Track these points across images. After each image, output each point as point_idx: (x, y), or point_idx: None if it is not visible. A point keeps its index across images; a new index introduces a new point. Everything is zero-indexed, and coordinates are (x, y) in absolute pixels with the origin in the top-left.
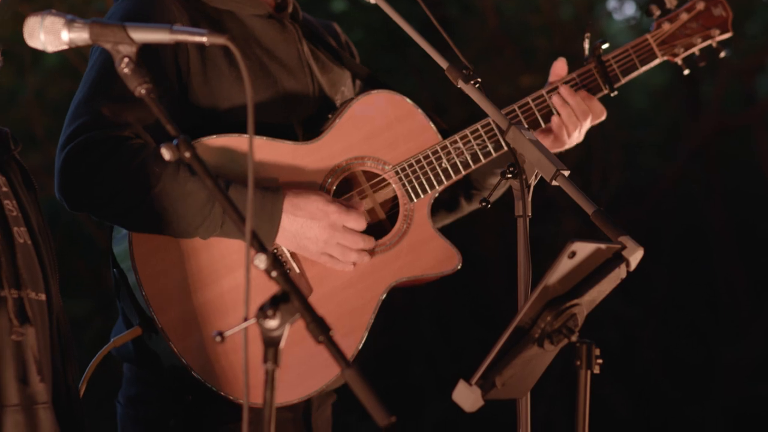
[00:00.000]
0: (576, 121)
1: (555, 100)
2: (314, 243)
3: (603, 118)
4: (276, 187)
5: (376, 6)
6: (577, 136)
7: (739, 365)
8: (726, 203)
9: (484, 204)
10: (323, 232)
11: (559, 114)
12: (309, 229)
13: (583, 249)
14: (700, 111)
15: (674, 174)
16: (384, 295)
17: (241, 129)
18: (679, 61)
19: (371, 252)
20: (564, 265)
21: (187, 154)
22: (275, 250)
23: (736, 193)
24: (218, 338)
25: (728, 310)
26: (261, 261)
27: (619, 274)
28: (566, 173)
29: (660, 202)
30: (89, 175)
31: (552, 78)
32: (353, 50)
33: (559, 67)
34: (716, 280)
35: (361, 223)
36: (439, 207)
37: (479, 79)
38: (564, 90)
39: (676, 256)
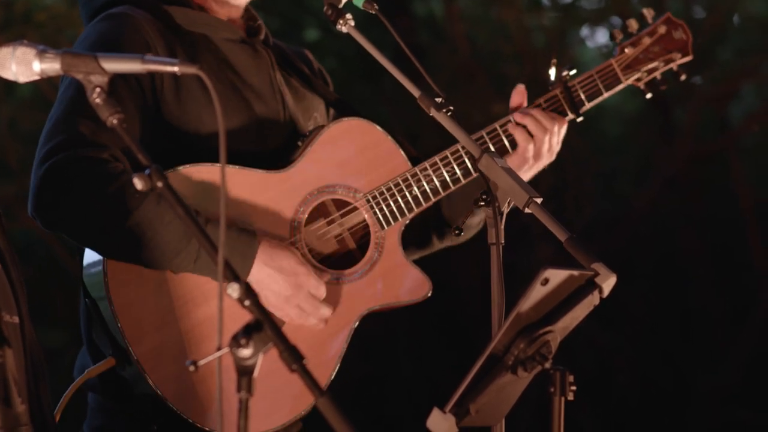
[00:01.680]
0: (543, 129)
1: (516, 116)
2: (276, 296)
3: (565, 124)
4: (252, 231)
5: (349, 35)
6: (547, 149)
7: (715, 391)
8: (701, 229)
9: (456, 233)
10: (287, 289)
11: (525, 126)
12: (274, 282)
13: (556, 276)
14: (674, 138)
15: (649, 200)
16: (356, 324)
17: (212, 155)
18: (641, 85)
19: (343, 281)
20: (537, 292)
21: (159, 184)
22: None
23: (712, 219)
24: (192, 367)
25: (704, 336)
26: (234, 290)
27: (593, 300)
28: (539, 200)
29: (635, 228)
30: (66, 193)
31: (512, 105)
32: (326, 77)
33: (519, 93)
34: (692, 306)
35: (322, 292)
36: (409, 243)
37: (451, 108)
38: (526, 110)
39: (651, 282)
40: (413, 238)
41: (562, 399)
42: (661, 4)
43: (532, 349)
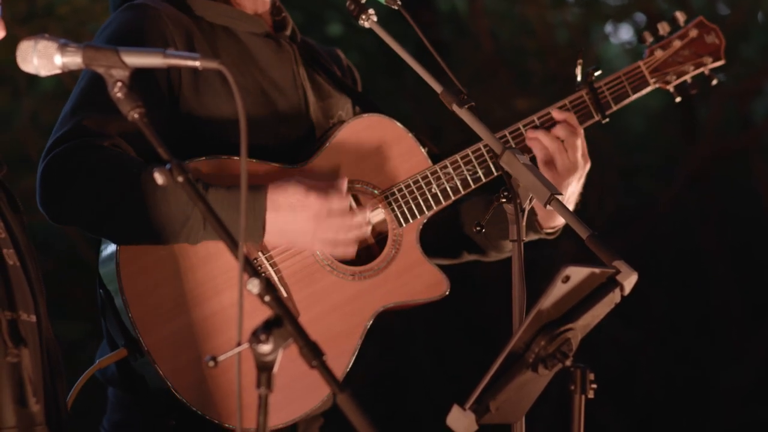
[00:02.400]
0: (561, 148)
1: (529, 132)
2: (303, 235)
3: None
4: (257, 185)
5: (371, 30)
6: (570, 162)
7: (736, 388)
8: (722, 226)
9: (477, 229)
10: (308, 224)
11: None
12: (294, 223)
13: (577, 273)
14: (697, 135)
15: (671, 197)
16: (371, 321)
17: (231, 148)
18: (671, 88)
19: (359, 277)
20: (558, 290)
21: (180, 179)
22: (263, 273)
23: (733, 216)
24: (211, 363)
25: (725, 333)
26: (254, 286)
27: (614, 298)
28: (561, 197)
29: (656, 225)
30: (68, 183)
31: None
32: (356, 75)
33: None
34: (713, 303)
35: (343, 201)
36: (438, 252)
37: (473, 103)
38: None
39: (672, 279)
40: (443, 248)
41: (583, 397)
42: (685, 2)
43: (553, 346)
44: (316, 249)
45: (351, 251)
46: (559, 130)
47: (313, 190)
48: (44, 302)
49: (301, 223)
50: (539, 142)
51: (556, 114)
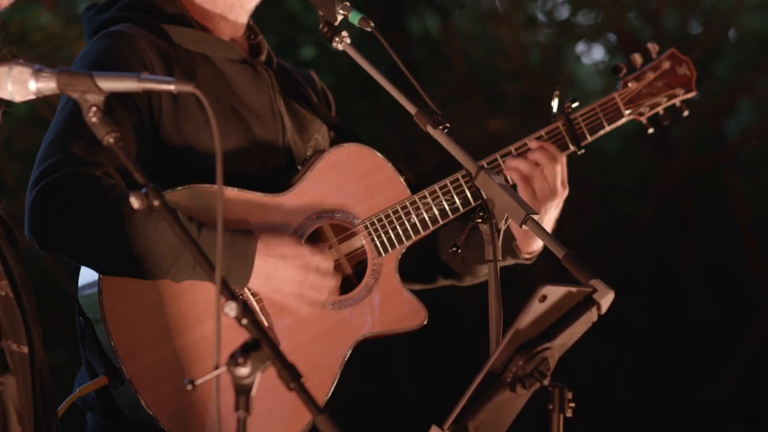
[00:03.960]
0: (540, 174)
1: (509, 161)
2: (288, 283)
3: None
4: (247, 229)
5: (345, 52)
6: (549, 189)
7: (715, 404)
8: (699, 243)
9: (453, 249)
10: (298, 273)
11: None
12: (283, 270)
13: (553, 292)
14: (671, 152)
15: (647, 215)
16: (351, 350)
17: (211, 176)
18: (644, 120)
19: (339, 306)
20: (535, 309)
21: (156, 203)
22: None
23: (709, 232)
24: (189, 386)
25: (703, 350)
26: (231, 309)
27: (591, 317)
28: (536, 217)
29: (633, 242)
30: (60, 212)
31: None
32: (329, 98)
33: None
34: (691, 319)
35: (330, 265)
36: (414, 277)
37: (447, 124)
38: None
39: (650, 296)
40: (418, 272)
41: (561, 416)
42: (657, 20)
43: (531, 365)
44: (293, 299)
45: (317, 306)
46: (537, 155)
47: (305, 245)
48: (39, 335)
49: (291, 271)
50: (517, 169)
51: (533, 144)
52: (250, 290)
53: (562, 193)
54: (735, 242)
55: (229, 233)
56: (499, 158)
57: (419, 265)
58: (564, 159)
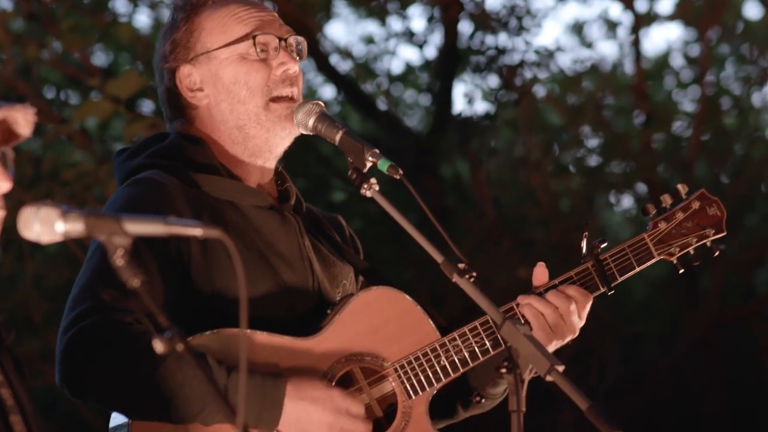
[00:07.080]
0: (559, 318)
1: (521, 298)
2: (319, 427)
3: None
4: (277, 372)
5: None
6: (570, 326)
7: None
8: (726, 394)
9: (478, 399)
10: (328, 416)
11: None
12: (314, 413)
13: None
14: (699, 303)
15: (674, 364)
16: None
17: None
18: (674, 260)
19: None
20: None
21: (180, 347)
22: None
23: (736, 383)
24: None
25: None
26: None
27: None
28: (560, 368)
29: (660, 392)
30: (91, 361)
31: (536, 283)
32: (357, 244)
33: (540, 272)
34: None
35: (361, 409)
36: (434, 412)
37: (474, 273)
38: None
39: None
40: (438, 407)
41: None
42: (688, 171)
43: None
44: None
45: None
46: (571, 291)
47: (336, 388)
48: None
49: (320, 414)
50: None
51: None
52: None
53: (578, 329)
54: (762, 394)
55: (258, 377)
56: (514, 307)
57: (444, 403)
58: (586, 300)
